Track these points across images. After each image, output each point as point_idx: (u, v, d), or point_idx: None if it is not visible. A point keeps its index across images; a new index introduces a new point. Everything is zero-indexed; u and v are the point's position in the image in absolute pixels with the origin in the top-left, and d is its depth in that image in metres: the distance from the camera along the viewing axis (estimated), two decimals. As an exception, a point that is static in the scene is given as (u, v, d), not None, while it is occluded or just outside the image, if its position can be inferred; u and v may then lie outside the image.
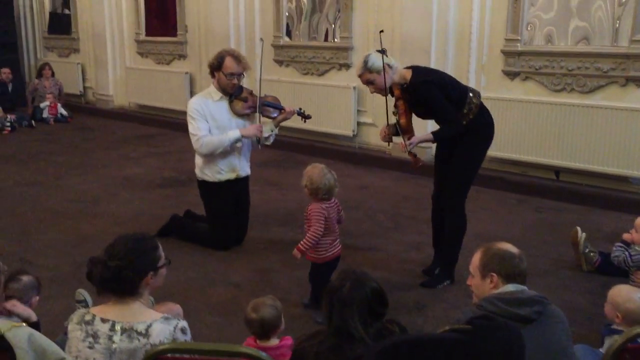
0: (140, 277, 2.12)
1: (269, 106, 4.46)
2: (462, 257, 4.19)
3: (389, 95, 3.82)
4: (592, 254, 4.03)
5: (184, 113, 9.17)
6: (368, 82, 3.72)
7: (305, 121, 4.58)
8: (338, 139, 7.50)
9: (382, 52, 3.69)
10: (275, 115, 4.47)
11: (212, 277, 4.01)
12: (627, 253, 3.34)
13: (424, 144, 4.53)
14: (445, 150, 3.93)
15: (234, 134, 4.30)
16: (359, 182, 6.41)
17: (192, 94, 9.36)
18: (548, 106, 5.76)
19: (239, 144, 4.39)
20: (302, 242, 3.42)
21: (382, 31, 3.87)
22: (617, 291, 2.73)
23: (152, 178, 6.56)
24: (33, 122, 9.67)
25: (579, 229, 4.16)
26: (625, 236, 3.45)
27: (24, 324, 1.77)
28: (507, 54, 6.06)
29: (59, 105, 10.17)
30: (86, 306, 3.24)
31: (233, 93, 4.37)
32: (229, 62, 4.24)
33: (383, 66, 3.62)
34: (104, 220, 5.15)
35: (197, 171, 4.53)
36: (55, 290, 3.79)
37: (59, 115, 10.06)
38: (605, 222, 5.11)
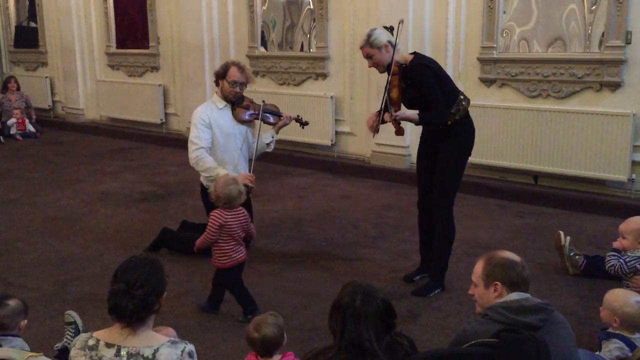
0: (159, 299, 2.07)
1: (269, 113, 4.69)
2: (451, 264, 4.22)
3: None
4: (577, 257, 4.09)
5: (158, 125, 9.33)
6: (368, 56, 3.77)
7: (303, 127, 4.83)
8: (317, 148, 7.50)
9: (390, 29, 3.76)
10: (275, 121, 4.70)
11: (202, 292, 3.93)
12: (621, 260, 3.39)
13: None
14: (426, 159, 3.95)
15: (224, 172, 4.38)
16: (339, 192, 6.41)
17: (165, 106, 9.28)
18: (524, 112, 5.85)
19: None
20: (197, 241, 3.62)
21: (402, 21, 3.81)
22: (614, 296, 2.77)
23: (130, 192, 6.46)
24: (1, 138, 9.45)
25: (561, 233, 4.22)
26: (615, 244, 3.49)
27: (41, 354, 1.70)
28: (483, 61, 6.15)
29: (26, 120, 9.95)
30: (76, 328, 3.16)
31: (236, 101, 4.58)
32: (233, 71, 4.49)
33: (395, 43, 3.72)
34: (84, 237, 5.04)
35: (203, 179, 4.60)
36: (40, 311, 3.69)
37: (27, 130, 9.84)
38: (585, 225, 5.20)
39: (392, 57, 3.72)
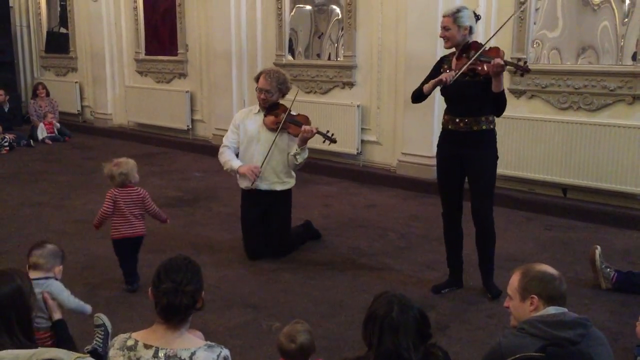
0: (201, 296, 2.13)
1: (291, 123, 4.60)
2: (479, 276, 4.19)
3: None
4: (608, 270, 4.03)
5: (185, 132, 9.41)
6: (445, 27, 3.79)
7: (329, 144, 4.65)
8: (342, 157, 7.50)
9: (477, 17, 3.85)
10: (294, 132, 4.57)
11: (229, 299, 3.96)
12: None
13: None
14: (452, 167, 3.93)
15: (236, 163, 4.64)
16: (365, 201, 6.40)
17: (192, 112, 9.37)
18: (554, 124, 5.79)
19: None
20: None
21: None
22: (651, 311, 2.72)
23: (156, 197, 6.42)
24: (32, 141, 9.61)
25: (598, 247, 4.15)
26: None
27: (88, 355, 1.72)
28: (512, 72, 6.09)
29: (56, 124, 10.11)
30: (105, 331, 3.19)
31: (268, 107, 4.64)
32: (260, 78, 4.62)
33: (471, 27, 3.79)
34: (112, 241, 5.09)
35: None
36: (69, 313, 3.71)
37: (56, 135, 9.99)
38: (615, 239, 5.11)
39: (463, 39, 3.77)
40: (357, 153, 7.33)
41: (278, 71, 4.71)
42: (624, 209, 5.54)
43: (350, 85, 7.43)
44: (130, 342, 2.05)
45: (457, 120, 3.81)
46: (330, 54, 7.71)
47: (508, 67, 3.65)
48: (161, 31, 9.73)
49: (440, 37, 3.87)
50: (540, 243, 5.06)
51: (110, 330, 3.22)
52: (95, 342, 3.18)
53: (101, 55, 10.45)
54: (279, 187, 4.70)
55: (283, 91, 4.67)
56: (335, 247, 4.96)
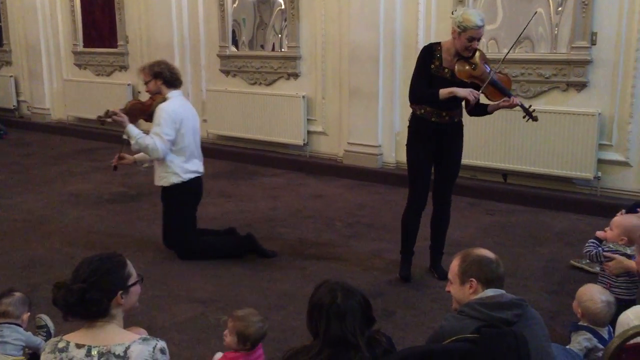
0: (108, 297, 2.02)
1: None
2: (423, 262, 4.28)
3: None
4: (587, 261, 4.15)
5: (126, 126, 9.11)
6: (479, 40, 3.84)
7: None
8: (289, 148, 7.50)
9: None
10: None
11: (176, 294, 3.92)
12: (600, 249, 3.45)
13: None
14: (430, 158, 4.07)
15: None
16: (312, 191, 6.43)
17: (135, 105, 9.16)
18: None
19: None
20: None
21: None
22: (585, 289, 2.87)
23: (100, 194, 6.37)
24: (-35, 139, 9.25)
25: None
26: (599, 234, 3.54)
27: (23, 358, 1.67)
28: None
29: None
30: (48, 332, 3.11)
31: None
32: None
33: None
34: (54, 239, 4.96)
35: None
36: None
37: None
38: (553, 221, 5.31)
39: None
40: (304, 144, 7.34)
41: (156, 61, 4.73)
42: (561, 192, 5.76)
43: (295, 76, 7.43)
44: (61, 344, 1.99)
45: (444, 114, 3.98)
46: (274, 44, 7.68)
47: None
48: (99, 22, 9.47)
49: (473, 48, 3.83)
50: (483, 228, 5.20)
51: (53, 332, 3.14)
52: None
53: (37, 48, 10.09)
54: (156, 181, 4.57)
55: (162, 75, 4.52)
56: (283, 238, 4.97)
